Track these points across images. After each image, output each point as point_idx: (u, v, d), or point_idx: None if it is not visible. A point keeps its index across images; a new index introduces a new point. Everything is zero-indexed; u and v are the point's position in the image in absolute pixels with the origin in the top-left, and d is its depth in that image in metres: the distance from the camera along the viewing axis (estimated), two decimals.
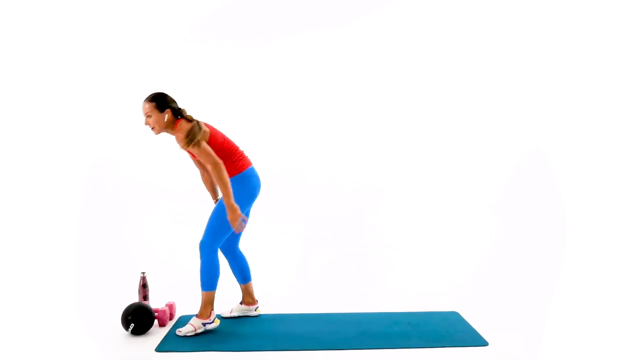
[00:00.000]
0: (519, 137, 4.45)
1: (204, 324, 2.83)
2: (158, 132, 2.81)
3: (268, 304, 3.28)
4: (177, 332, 2.80)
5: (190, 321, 2.83)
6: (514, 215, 4.34)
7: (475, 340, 2.71)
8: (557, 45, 4.31)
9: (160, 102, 2.76)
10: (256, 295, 3.21)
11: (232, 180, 2.80)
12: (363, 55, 4.54)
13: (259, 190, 2.94)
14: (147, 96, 2.79)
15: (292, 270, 3.98)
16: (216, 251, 2.83)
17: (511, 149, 4.46)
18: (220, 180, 2.69)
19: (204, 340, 2.74)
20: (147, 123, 2.79)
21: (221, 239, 2.84)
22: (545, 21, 4.32)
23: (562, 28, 4.29)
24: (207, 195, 4.47)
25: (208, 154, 2.71)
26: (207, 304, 2.83)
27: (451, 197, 4.44)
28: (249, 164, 2.92)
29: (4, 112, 4.06)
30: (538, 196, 4.31)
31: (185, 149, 2.76)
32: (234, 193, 2.74)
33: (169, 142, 4.49)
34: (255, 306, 3.14)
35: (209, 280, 2.81)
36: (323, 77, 4.55)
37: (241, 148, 2.96)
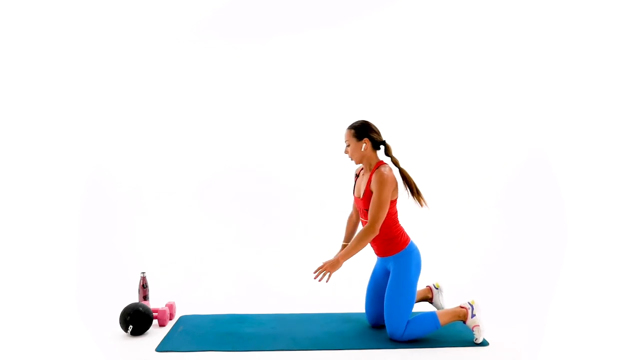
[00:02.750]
0: (519, 138, 4.45)
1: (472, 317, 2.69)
2: (358, 162, 2.75)
3: (268, 304, 3.28)
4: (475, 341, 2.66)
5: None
6: (514, 215, 4.34)
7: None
8: (558, 46, 4.31)
9: (359, 130, 2.70)
10: (258, 295, 3.20)
11: (403, 253, 2.70)
12: (363, 55, 4.54)
13: (421, 263, 2.78)
14: (350, 126, 2.75)
15: (292, 270, 3.98)
16: (405, 324, 2.67)
17: (511, 149, 4.46)
18: (360, 241, 2.60)
19: (204, 340, 2.74)
20: (346, 152, 2.76)
21: (410, 310, 2.69)
22: (546, 22, 4.32)
23: (563, 28, 4.29)
24: (207, 195, 4.48)
25: (379, 208, 2.59)
26: (453, 317, 2.72)
27: (451, 197, 4.44)
28: (408, 238, 2.79)
29: (5, 113, 4.06)
30: (538, 196, 4.31)
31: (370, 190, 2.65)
32: (406, 266, 2.68)
33: (169, 142, 4.52)
34: None
35: (429, 328, 2.69)
36: (323, 77, 4.55)
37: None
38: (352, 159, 2.76)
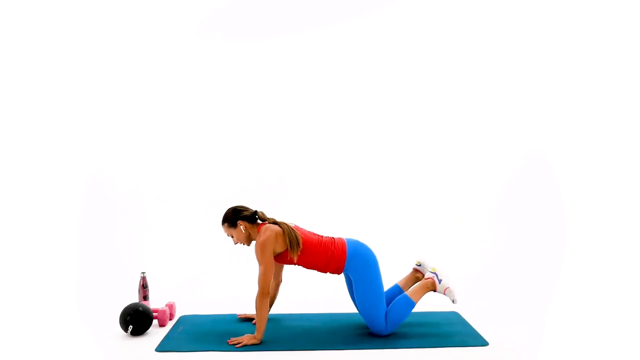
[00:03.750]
0: (519, 138, 4.44)
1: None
2: (249, 243, 2.85)
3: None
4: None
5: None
6: (514, 215, 4.33)
7: (475, 340, 2.71)
8: (557, 46, 4.31)
9: (231, 219, 2.80)
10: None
11: (350, 258, 2.74)
12: (362, 55, 4.53)
13: (372, 252, 2.83)
14: (221, 221, 2.85)
15: (292, 269, 3.98)
16: (385, 317, 2.75)
17: (511, 149, 4.45)
18: (260, 309, 2.66)
19: (204, 340, 2.74)
20: (235, 243, 2.86)
21: (383, 304, 2.75)
22: (546, 22, 4.32)
23: (563, 29, 4.28)
24: (206, 195, 4.49)
25: (263, 275, 2.66)
26: (423, 290, 2.84)
27: (451, 197, 4.44)
28: (343, 241, 2.81)
29: (5, 114, 4.06)
30: (538, 196, 4.31)
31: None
32: (359, 266, 2.74)
33: (169, 142, 4.52)
34: None
35: (407, 310, 2.79)
36: (323, 77, 4.54)
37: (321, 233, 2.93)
38: (246, 244, 2.85)
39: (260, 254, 2.68)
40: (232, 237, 2.83)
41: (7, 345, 2.70)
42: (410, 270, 3.08)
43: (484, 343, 2.67)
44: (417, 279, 2.99)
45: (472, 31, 4.45)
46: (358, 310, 2.82)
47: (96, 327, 2.94)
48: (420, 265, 2.99)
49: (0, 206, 3.94)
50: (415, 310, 3.12)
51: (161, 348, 2.64)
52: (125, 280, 3.46)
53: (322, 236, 2.84)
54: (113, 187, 4.39)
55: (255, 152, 4.52)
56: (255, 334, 2.68)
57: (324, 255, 2.74)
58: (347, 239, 2.82)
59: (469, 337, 2.74)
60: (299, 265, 2.79)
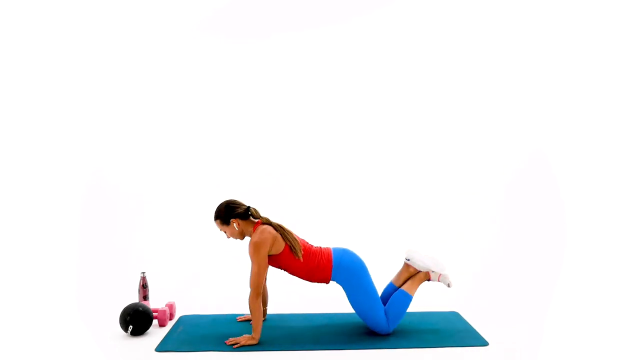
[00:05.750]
0: (520, 139, 4.45)
1: None
2: (243, 238, 2.83)
3: (268, 304, 3.27)
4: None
5: None
6: (514, 215, 4.34)
7: (475, 340, 2.71)
8: (558, 47, 4.31)
9: (224, 216, 2.77)
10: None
11: (336, 267, 2.74)
12: (362, 56, 4.54)
13: (360, 260, 2.82)
14: (213, 217, 2.82)
15: None
16: (384, 316, 2.77)
17: (511, 150, 4.46)
18: (254, 311, 2.65)
19: (204, 340, 2.74)
20: (228, 237, 2.85)
21: (379, 305, 2.76)
22: (547, 22, 4.32)
23: (564, 29, 4.29)
24: (206, 195, 4.49)
25: (256, 275, 2.66)
26: (419, 282, 2.88)
27: (451, 197, 4.44)
28: (329, 251, 2.80)
29: (6, 115, 4.06)
30: (538, 197, 4.31)
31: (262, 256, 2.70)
32: (347, 275, 2.74)
33: (169, 142, 4.52)
34: None
35: (405, 305, 2.80)
36: (323, 77, 4.55)
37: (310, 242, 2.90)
38: (239, 239, 2.83)
39: (255, 253, 2.67)
40: (224, 232, 2.83)
41: (7, 345, 2.70)
42: (402, 265, 3.07)
43: (484, 343, 2.67)
44: (410, 273, 2.97)
45: (475, 33, 4.46)
46: (358, 315, 2.82)
47: (96, 327, 2.93)
48: (409, 260, 2.97)
49: (1, 206, 3.94)
50: (415, 310, 3.13)
51: (161, 348, 2.64)
52: (125, 280, 3.46)
53: (311, 245, 2.84)
54: (113, 187, 4.39)
55: (255, 151, 4.52)
56: (253, 334, 2.68)
57: (311, 263, 2.74)
58: (333, 249, 2.83)
59: (469, 337, 2.74)
60: (283, 269, 2.79)
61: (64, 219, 4.14)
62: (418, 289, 2.89)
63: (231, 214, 2.77)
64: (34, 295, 3.41)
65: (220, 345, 2.67)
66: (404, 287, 2.84)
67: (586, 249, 3.92)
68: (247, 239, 2.97)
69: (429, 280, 2.89)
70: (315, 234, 4.31)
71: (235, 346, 2.63)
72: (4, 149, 4.03)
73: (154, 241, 4.23)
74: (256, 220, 2.80)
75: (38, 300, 3.34)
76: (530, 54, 4.38)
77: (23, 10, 4.12)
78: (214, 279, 3.83)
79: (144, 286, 3.06)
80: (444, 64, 4.50)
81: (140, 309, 2.82)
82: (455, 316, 3.09)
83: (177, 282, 3.69)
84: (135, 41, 4.43)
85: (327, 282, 2.81)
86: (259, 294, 2.65)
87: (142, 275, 3.08)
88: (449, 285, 2.88)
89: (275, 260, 2.75)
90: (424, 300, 3.37)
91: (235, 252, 4.18)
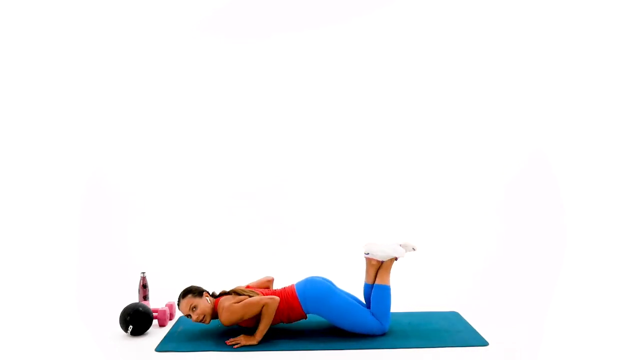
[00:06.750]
0: (520, 139, 4.45)
1: None
2: (210, 321, 2.78)
3: None
4: None
5: None
6: (514, 215, 4.33)
7: (475, 340, 2.71)
8: (559, 47, 4.31)
9: (195, 290, 2.77)
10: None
11: (304, 301, 2.75)
12: (362, 56, 4.54)
13: (322, 283, 2.82)
14: (180, 296, 2.77)
15: (292, 270, 3.98)
16: (373, 317, 2.78)
17: (511, 150, 4.45)
18: (266, 317, 2.67)
19: (204, 340, 2.74)
20: (198, 319, 2.74)
21: (362, 311, 2.77)
22: (547, 22, 4.32)
23: (564, 30, 4.28)
24: (206, 195, 4.50)
25: (250, 304, 2.68)
26: (389, 268, 2.87)
27: (451, 197, 4.44)
28: (292, 288, 2.82)
29: (5, 115, 4.06)
30: (538, 197, 4.31)
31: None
32: (318, 303, 2.75)
33: (169, 142, 4.52)
34: None
35: (387, 296, 2.81)
36: (323, 76, 4.55)
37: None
38: (208, 318, 2.76)
39: (231, 313, 2.67)
40: (194, 307, 2.73)
41: (7, 345, 2.70)
42: (365, 262, 3.03)
43: (484, 343, 2.67)
44: (375, 267, 2.93)
45: (475, 33, 4.45)
46: (348, 330, 2.82)
47: (96, 327, 2.94)
48: (369, 254, 2.95)
49: (1, 207, 3.94)
50: (415, 310, 3.14)
51: (161, 348, 2.64)
52: (125, 280, 3.46)
53: (274, 290, 2.86)
54: (113, 187, 4.39)
55: (255, 151, 4.52)
56: (255, 334, 2.68)
57: (281, 306, 2.75)
58: (296, 285, 2.84)
59: (469, 337, 2.74)
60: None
61: (64, 219, 4.15)
62: (391, 276, 2.86)
63: (200, 289, 2.80)
64: (34, 296, 3.42)
65: (220, 345, 2.67)
66: (377, 282, 2.83)
67: (586, 249, 3.92)
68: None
69: (396, 259, 2.86)
70: (315, 233, 4.34)
71: (236, 346, 2.63)
72: (4, 149, 4.03)
73: (153, 241, 4.22)
74: (214, 300, 2.81)
75: (38, 300, 3.34)
76: (530, 55, 4.38)
77: (23, 10, 4.12)
78: (214, 279, 3.82)
79: (144, 286, 3.06)
80: (444, 64, 4.50)
81: (141, 309, 2.82)
82: (455, 316, 3.09)
83: (177, 282, 3.68)
84: (135, 41, 4.43)
85: (305, 317, 2.83)
86: (276, 300, 2.69)
87: (142, 275, 3.08)
88: (414, 249, 2.88)
89: (253, 319, 2.74)
90: (424, 300, 3.38)
91: (236, 253, 4.19)
